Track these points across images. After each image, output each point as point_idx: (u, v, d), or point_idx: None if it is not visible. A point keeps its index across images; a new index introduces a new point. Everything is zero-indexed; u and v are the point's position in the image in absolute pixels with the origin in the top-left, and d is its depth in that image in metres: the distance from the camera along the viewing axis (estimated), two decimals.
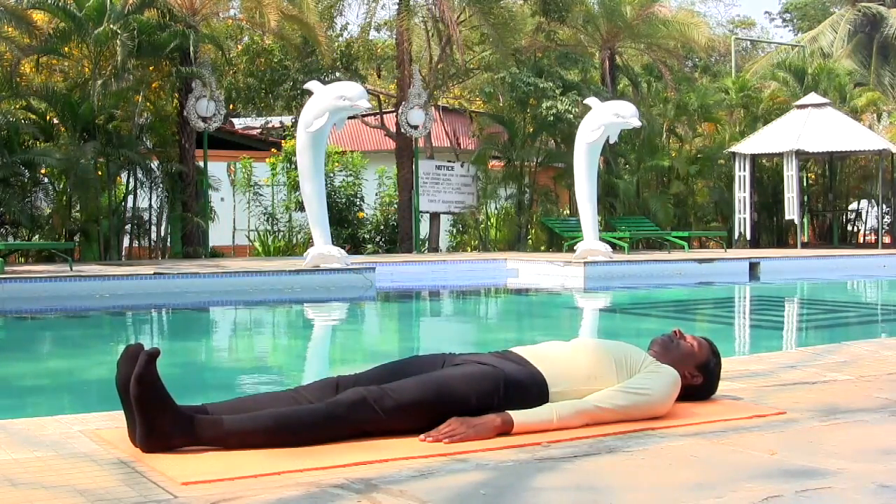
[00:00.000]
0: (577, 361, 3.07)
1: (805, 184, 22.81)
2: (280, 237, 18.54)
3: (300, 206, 16.35)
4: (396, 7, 18.55)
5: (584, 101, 15.50)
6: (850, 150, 20.38)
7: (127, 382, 2.64)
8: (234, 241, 18.43)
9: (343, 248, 13.90)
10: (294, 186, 17.59)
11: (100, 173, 15.58)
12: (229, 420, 2.70)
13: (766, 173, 22.55)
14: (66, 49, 15.53)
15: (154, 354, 2.64)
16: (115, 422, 3.12)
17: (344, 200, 18.43)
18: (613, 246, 16.32)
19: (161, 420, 2.63)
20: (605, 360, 3.09)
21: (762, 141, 20.42)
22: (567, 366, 3.05)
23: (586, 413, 2.94)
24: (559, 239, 18.78)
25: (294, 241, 18.32)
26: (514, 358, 3.05)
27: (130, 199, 16.41)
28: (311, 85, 12.81)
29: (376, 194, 19.50)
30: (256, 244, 18.47)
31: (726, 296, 13.77)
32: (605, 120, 14.18)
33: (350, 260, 13.18)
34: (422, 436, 2.77)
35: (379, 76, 24.33)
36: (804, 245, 20.89)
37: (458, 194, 19.29)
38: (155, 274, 11.59)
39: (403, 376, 2.91)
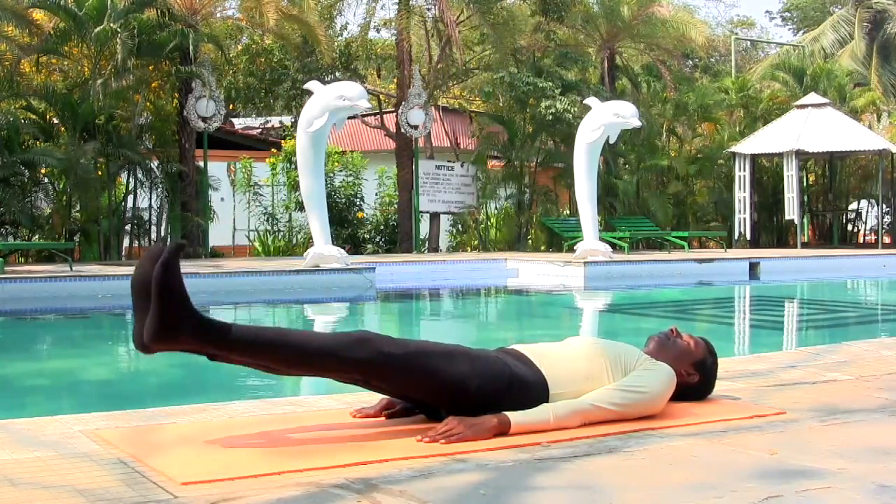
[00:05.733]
0: (575, 362, 3.08)
1: (805, 184, 22.81)
2: (280, 237, 18.54)
3: (300, 206, 16.36)
4: (396, 7, 18.56)
5: (584, 101, 15.51)
6: (850, 150, 20.38)
7: (144, 278, 2.62)
8: (234, 241, 18.44)
9: (343, 248, 13.90)
10: (294, 186, 17.59)
11: (100, 173, 15.59)
12: (237, 328, 2.71)
13: (766, 173, 22.55)
14: (66, 48, 15.53)
15: (182, 246, 2.66)
16: (115, 422, 3.13)
17: (344, 200, 18.43)
18: (613, 246, 16.32)
19: (175, 311, 2.61)
20: (601, 359, 3.10)
21: (762, 141, 20.43)
22: (567, 366, 3.05)
23: (583, 412, 2.94)
24: (559, 239, 18.78)
25: (294, 241, 18.32)
26: (521, 357, 3.05)
27: (130, 199, 16.42)
28: (311, 85, 12.80)
29: (376, 194, 19.50)
30: (256, 244, 18.47)
31: (726, 296, 13.77)
32: (604, 120, 14.18)
33: (350, 260, 13.18)
34: (419, 436, 2.77)
35: (379, 76, 24.33)
36: (804, 245, 20.88)
37: (457, 194, 19.29)
38: None
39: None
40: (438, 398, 2.87)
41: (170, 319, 2.60)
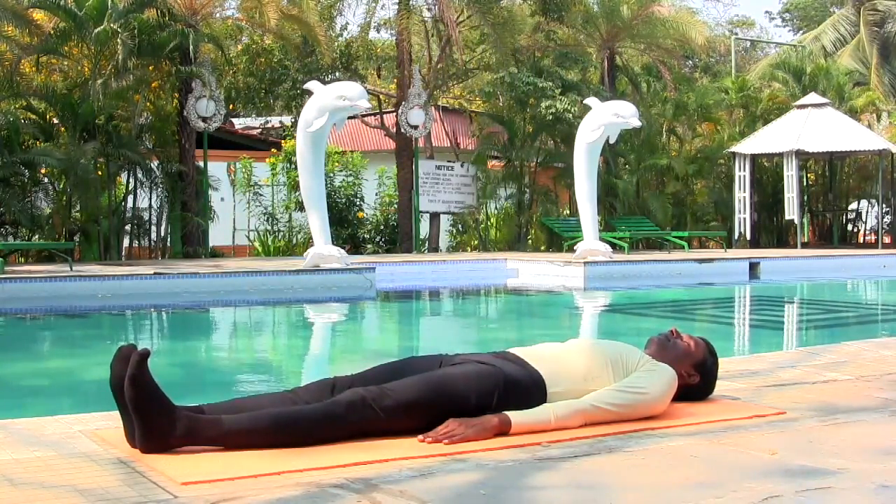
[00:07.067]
0: (574, 362, 3.08)
1: (805, 184, 22.81)
2: (280, 237, 18.54)
3: (300, 206, 16.35)
4: (396, 7, 18.56)
5: (584, 101, 15.51)
6: (850, 150, 20.38)
7: (121, 384, 2.63)
8: (234, 241, 18.43)
9: (343, 248, 13.90)
10: (294, 186, 17.59)
11: (100, 173, 15.59)
12: (228, 420, 2.70)
13: (766, 173, 22.55)
14: (66, 48, 15.53)
15: (145, 355, 2.62)
16: (115, 422, 3.12)
17: (344, 200, 18.43)
18: (613, 246, 16.33)
19: (158, 420, 2.62)
20: (601, 360, 3.10)
21: (762, 141, 20.43)
22: (565, 366, 3.05)
23: (583, 413, 2.94)
24: (559, 239, 18.78)
25: (294, 241, 18.32)
26: (513, 358, 3.05)
27: (130, 199, 16.42)
28: (311, 85, 12.80)
29: (376, 194, 19.50)
30: (256, 244, 18.47)
31: (726, 296, 13.76)
32: (604, 120, 14.18)
33: (350, 260, 13.17)
34: (420, 437, 2.77)
35: (379, 76, 24.34)
36: (804, 245, 20.88)
37: (457, 194, 19.29)
38: (155, 274, 11.59)
39: (401, 376, 2.91)
40: (442, 420, 2.85)
41: (155, 431, 2.63)
